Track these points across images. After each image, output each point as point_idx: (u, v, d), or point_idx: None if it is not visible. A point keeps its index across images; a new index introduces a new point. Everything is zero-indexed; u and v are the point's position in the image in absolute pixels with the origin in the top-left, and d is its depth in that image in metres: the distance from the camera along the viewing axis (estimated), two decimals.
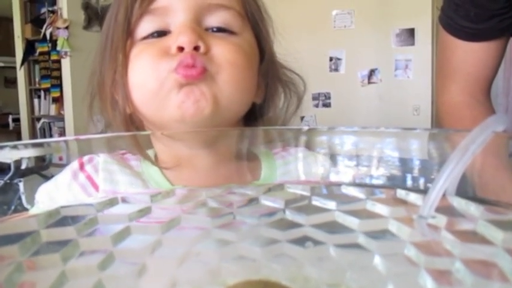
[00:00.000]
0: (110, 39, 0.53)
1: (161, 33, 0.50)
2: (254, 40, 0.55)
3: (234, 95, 0.49)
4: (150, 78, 0.48)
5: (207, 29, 0.50)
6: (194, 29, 0.48)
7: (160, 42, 0.49)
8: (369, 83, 5.03)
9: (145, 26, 0.51)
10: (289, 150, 0.57)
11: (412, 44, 4.76)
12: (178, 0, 0.50)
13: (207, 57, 0.48)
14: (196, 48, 0.47)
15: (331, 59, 5.17)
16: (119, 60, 0.51)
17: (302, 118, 5.15)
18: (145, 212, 0.29)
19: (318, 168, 0.48)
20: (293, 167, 0.56)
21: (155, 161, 0.54)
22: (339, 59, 5.16)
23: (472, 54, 0.81)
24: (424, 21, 4.65)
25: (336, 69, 5.18)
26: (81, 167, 0.53)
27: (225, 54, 0.48)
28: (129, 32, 0.51)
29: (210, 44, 0.48)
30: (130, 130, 0.53)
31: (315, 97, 5.23)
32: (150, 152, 0.54)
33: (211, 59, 0.48)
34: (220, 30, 0.51)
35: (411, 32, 4.75)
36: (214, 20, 0.51)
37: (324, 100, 5.25)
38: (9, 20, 5.13)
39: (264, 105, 0.58)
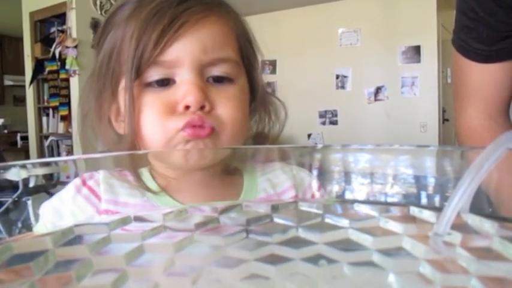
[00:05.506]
0: (111, 70, 0.56)
1: (165, 82, 0.54)
2: (247, 83, 0.61)
3: (232, 144, 0.56)
4: (158, 136, 0.53)
5: (208, 78, 0.55)
6: (200, 87, 0.53)
7: (166, 97, 0.53)
8: (376, 100, 5.04)
9: (151, 74, 0.54)
10: (268, 164, 0.64)
11: (418, 61, 4.78)
12: (185, 56, 0.53)
13: (213, 115, 0.53)
14: (202, 107, 0.52)
15: (337, 76, 5.20)
16: (126, 100, 0.54)
17: (309, 135, 5.16)
18: (158, 230, 0.29)
19: (292, 177, 0.62)
20: (271, 176, 0.63)
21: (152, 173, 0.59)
22: (345, 77, 5.18)
23: (487, 76, 0.80)
24: (430, 39, 4.68)
25: (343, 87, 5.20)
26: (84, 182, 0.58)
27: (227, 113, 0.54)
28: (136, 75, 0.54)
29: (213, 101, 0.54)
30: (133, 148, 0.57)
31: (322, 114, 5.25)
32: (146, 169, 0.59)
33: (216, 118, 0.54)
34: (219, 78, 0.56)
35: (417, 50, 4.76)
36: (215, 70, 0.56)
37: (330, 117, 5.26)
38: (19, 40, 5.22)
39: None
